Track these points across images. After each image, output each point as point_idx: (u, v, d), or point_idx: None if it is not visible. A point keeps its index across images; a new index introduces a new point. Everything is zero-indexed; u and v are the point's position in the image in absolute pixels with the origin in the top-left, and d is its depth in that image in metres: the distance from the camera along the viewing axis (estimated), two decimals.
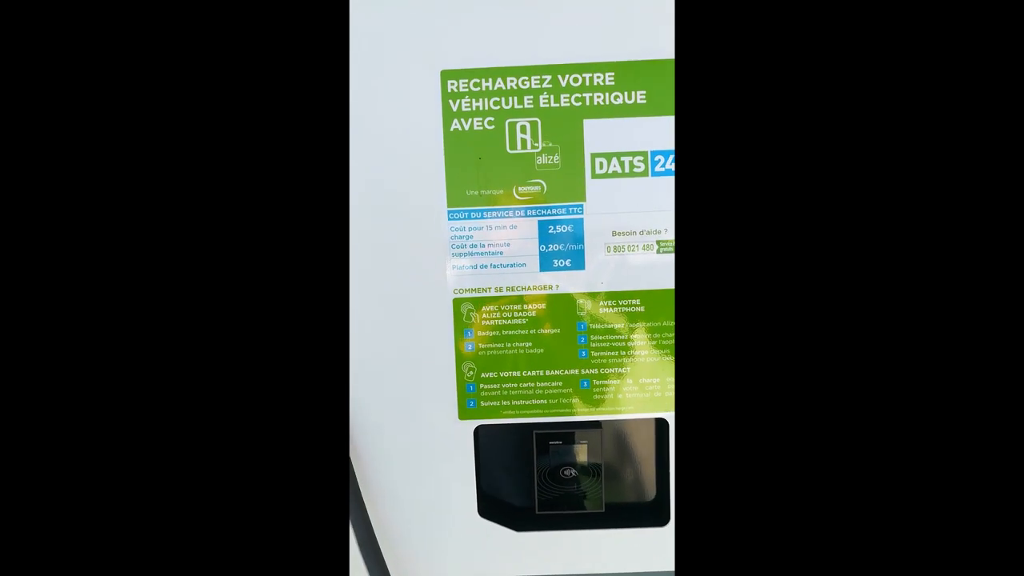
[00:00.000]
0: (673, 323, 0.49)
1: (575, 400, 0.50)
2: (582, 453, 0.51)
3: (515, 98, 0.46)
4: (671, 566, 0.51)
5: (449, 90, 0.46)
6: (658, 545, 0.51)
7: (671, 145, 0.47)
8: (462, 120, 0.46)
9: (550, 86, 0.46)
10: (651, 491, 0.53)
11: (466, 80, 0.46)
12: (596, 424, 0.51)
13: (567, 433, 0.51)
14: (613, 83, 0.46)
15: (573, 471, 0.51)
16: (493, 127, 0.46)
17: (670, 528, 0.51)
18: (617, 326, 0.49)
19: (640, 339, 0.49)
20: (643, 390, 0.49)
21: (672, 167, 0.47)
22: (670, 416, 0.50)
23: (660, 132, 0.46)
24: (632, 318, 0.48)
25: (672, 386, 0.49)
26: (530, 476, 0.52)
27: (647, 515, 0.52)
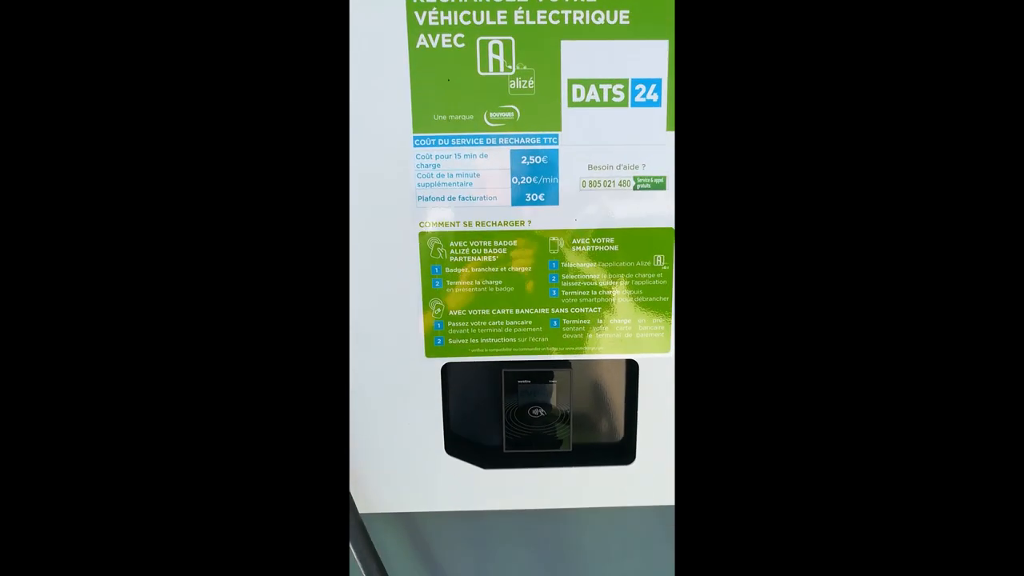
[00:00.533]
0: (649, 262, 0.47)
1: (544, 339, 0.48)
2: (551, 393, 0.50)
3: (487, 12, 0.42)
4: (637, 502, 0.52)
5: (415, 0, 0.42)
6: (624, 482, 0.51)
7: (654, 73, 0.44)
8: (429, 36, 0.42)
9: (526, 0, 0.42)
10: (619, 431, 0.53)
11: None
12: (566, 364, 0.50)
13: (536, 372, 0.50)
14: (595, 0, 0.42)
15: (541, 411, 0.51)
16: (463, 45, 0.43)
17: (636, 466, 0.51)
18: (590, 265, 0.47)
19: (613, 279, 0.47)
20: (614, 331, 0.48)
21: (655, 98, 0.44)
22: (640, 357, 0.49)
23: (643, 58, 0.43)
24: (606, 257, 0.47)
25: (643, 327, 0.48)
26: (498, 415, 0.51)
27: (614, 454, 0.52)
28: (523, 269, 0.47)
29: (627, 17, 0.42)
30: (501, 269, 0.47)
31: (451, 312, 0.48)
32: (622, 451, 0.52)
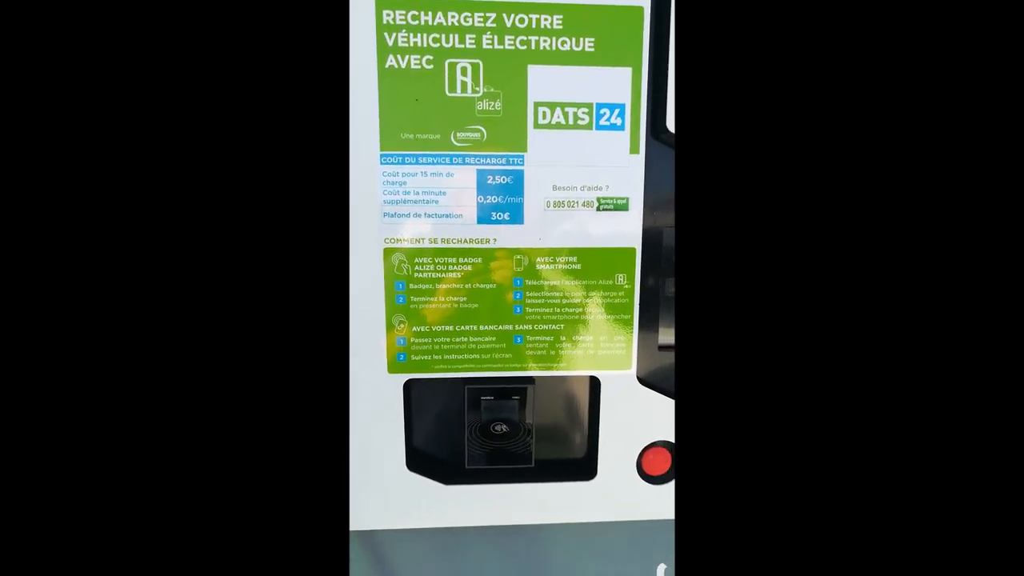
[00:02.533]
0: (611, 281, 0.48)
1: (508, 355, 0.49)
2: (514, 409, 0.51)
3: (456, 36, 0.43)
4: (597, 518, 0.53)
5: (384, 21, 0.42)
6: (585, 498, 0.52)
7: (618, 98, 0.45)
8: (398, 56, 0.43)
9: (494, 25, 0.43)
10: (581, 447, 0.54)
11: (403, 12, 0.42)
12: (529, 380, 0.50)
13: (499, 389, 0.50)
14: (561, 27, 0.43)
15: (504, 426, 0.51)
16: (432, 67, 0.43)
17: (597, 482, 0.52)
18: (553, 283, 0.48)
19: (577, 297, 0.48)
20: (577, 347, 0.49)
21: (619, 122, 0.45)
22: (602, 374, 0.50)
23: (607, 84, 0.45)
24: (569, 275, 0.48)
25: (605, 344, 0.49)
26: (461, 431, 0.51)
27: (575, 470, 0.53)
28: (488, 286, 0.47)
29: (592, 44, 0.44)
30: (466, 286, 0.47)
31: (414, 328, 0.48)
32: (584, 467, 0.53)
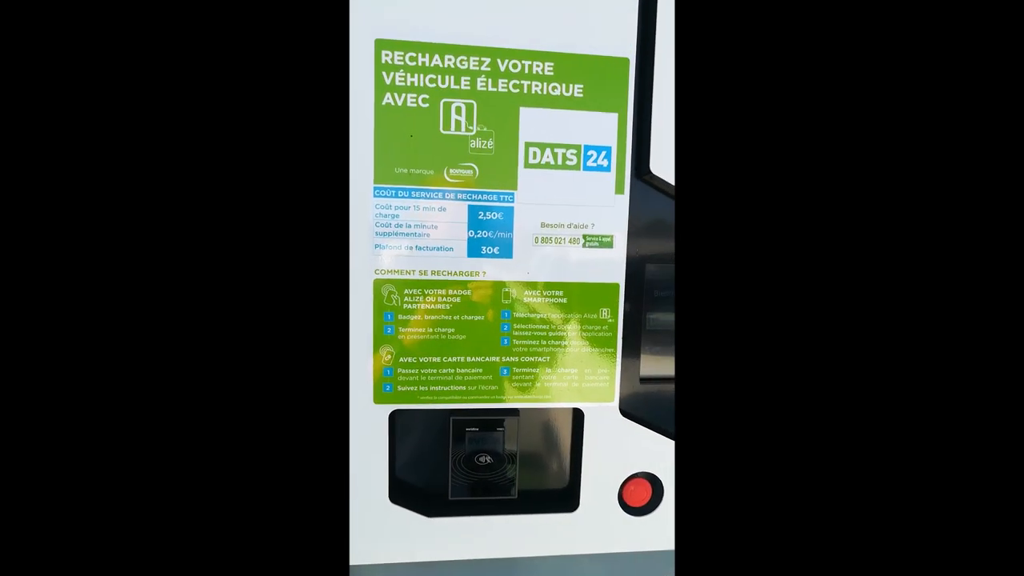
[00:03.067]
0: (595, 315, 0.50)
1: (494, 387, 0.50)
2: (498, 440, 0.51)
3: (452, 77, 0.45)
4: (580, 550, 0.53)
5: (383, 61, 0.44)
6: (568, 530, 0.52)
7: (605, 141, 0.47)
8: (395, 94, 0.44)
9: (488, 69, 0.45)
10: (564, 479, 0.55)
11: (401, 53, 0.44)
12: (514, 412, 0.51)
13: (484, 420, 0.51)
14: (552, 73, 0.46)
15: (488, 458, 0.51)
16: (427, 105, 0.45)
17: (579, 514, 0.52)
18: (540, 316, 0.49)
19: (562, 330, 0.49)
20: (561, 379, 0.50)
21: (605, 163, 0.47)
22: (585, 406, 0.51)
23: (595, 127, 0.47)
24: (555, 308, 0.49)
25: (589, 377, 0.50)
26: (444, 462, 0.52)
27: (558, 502, 0.53)
28: (477, 317, 0.48)
29: (581, 91, 0.46)
30: (454, 317, 0.48)
31: (402, 359, 0.48)
32: (566, 498, 0.53)
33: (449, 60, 0.45)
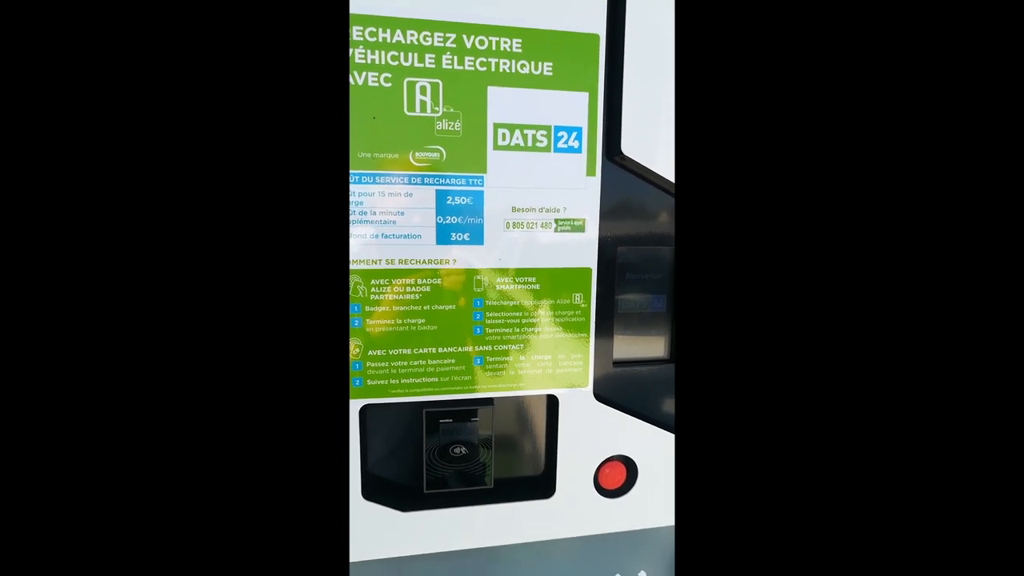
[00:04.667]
0: (568, 300, 0.49)
1: (467, 377, 0.48)
2: (473, 431, 0.50)
3: (415, 55, 0.42)
4: (557, 535, 0.53)
5: None
6: (545, 516, 0.52)
7: (575, 121, 0.46)
8: (355, 73, 0.42)
9: (454, 46, 0.43)
10: (539, 465, 0.54)
11: (360, 27, 0.41)
12: (488, 401, 0.50)
13: (458, 411, 0.50)
14: (520, 50, 0.44)
15: (463, 448, 0.50)
16: (390, 85, 0.42)
17: (555, 499, 0.52)
18: (513, 303, 0.48)
19: (535, 316, 0.48)
20: (535, 366, 0.49)
21: (576, 144, 0.46)
22: (560, 392, 0.50)
23: (565, 107, 0.45)
24: (528, 295, 0.48)
25: (563, 362, 0.50)
26: (418, 455, 0.50)
27: (534, 489, 0.53)
28: (448, 307, 0.47)
29: (550, 69, 0.44)
30: (424, 307, 0.46)
31: (371, 352, 0.46)
32: (542, 485, 0.53)
33: (412, 36, 0.42)
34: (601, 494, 0.53)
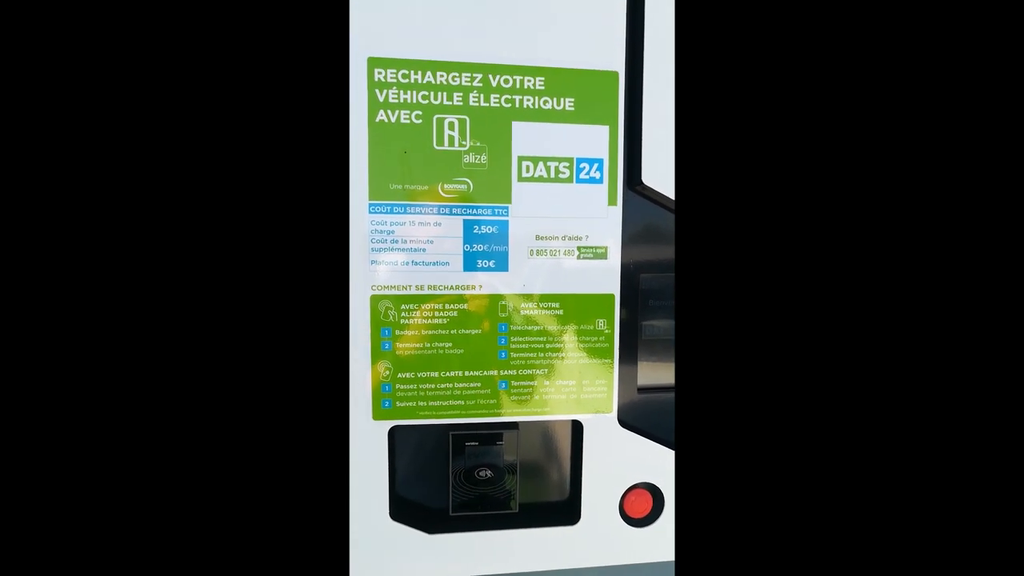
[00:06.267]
0: (592, 326, 0.50)
1: (493, 401, 0.50)
2: (498, 454, 0.51)
3: (444, 94, 0.45)
4: (582, 563, 0.53)
5: (376, 79, 0.44)
6: (570, 543, 0.52)
7: (597, 154, 0.48)
8: (388, 111, 0.45)
9: (480, 85, 0.46)
10: (564, 491, 0.54)
11: (394, 70, 0.45)
12: (513, 425, 0.51)
13: (483, 435, 0.51)
14: (543, 88, 0.46)
15: (488, 472, 0.51)
16: (420, 121, 0.45)
17: (580, 527, 0.52)
18: (537, 328, 0.49)
19: (559, 341, 0.49)
20: (560, 392, 0.50)
21: (598, 175, 0.48)
22: (584, 418, 0.51)
23: (587, 140, 0.47)
24: (552, 320, 0.49)
25: (587, 388, 0.50)
26: (444, 477, 0.51)
27: (559, 514, 0.53)
28: (474, 331, 0.48)
29: (572, 104, 0.47)
30: (451, 331, 0.48)
31: (400, 375, 0.48)
32: (567, 511, 0.53)
33: (441, 77, 0.45)
34: (627, 523, 0.53)
